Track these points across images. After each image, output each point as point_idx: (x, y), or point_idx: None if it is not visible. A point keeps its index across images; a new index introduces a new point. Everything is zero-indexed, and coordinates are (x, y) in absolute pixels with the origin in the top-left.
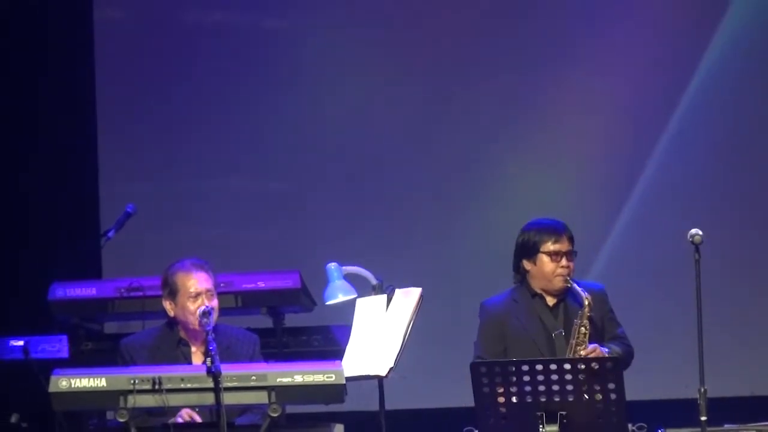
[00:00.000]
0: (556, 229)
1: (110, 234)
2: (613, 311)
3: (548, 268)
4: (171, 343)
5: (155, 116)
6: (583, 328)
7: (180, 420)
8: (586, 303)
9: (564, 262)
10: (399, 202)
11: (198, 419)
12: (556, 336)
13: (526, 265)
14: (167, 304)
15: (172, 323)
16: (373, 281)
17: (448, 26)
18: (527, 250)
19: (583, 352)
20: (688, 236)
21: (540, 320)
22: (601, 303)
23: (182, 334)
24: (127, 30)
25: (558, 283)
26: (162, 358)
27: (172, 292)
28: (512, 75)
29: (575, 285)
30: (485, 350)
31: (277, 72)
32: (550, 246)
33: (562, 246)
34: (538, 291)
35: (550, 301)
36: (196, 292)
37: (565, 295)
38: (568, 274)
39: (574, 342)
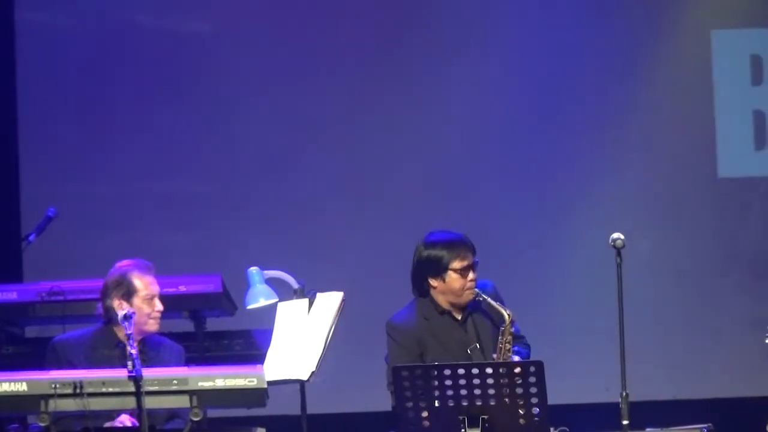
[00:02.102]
0: (462, 244)
1: (31, 238)
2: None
3: (458, 284)
4: (109, 345)
5: (76, 120)
6: (507, 344)
7: (119, 424)
8: (508, 320)
9: (471, 275)
10: (321, 207)
11: (129, 424)
12: (472, 351)
13: (432, 282)
14: (117, 304)
15: (110, 324)
16: (295, 285)
17: (368, 25)
18: (433, 267)
19: (495, 355)
20: (610, 240)
21: (454, 337)
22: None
23: (121, 335)
24: (48, 32)
25: (467, 297)
26: (99, 358)
27: (129, 293)
28: (433, 76)
29: (491, 302)
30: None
31: (200, 74)
32: (457, 263)
33: (469, 260)
34: (446, 307)
35: (458, 315)
36: (152, 295)
37: (470, 307)
38: (473, 287)
39: (501, 358)
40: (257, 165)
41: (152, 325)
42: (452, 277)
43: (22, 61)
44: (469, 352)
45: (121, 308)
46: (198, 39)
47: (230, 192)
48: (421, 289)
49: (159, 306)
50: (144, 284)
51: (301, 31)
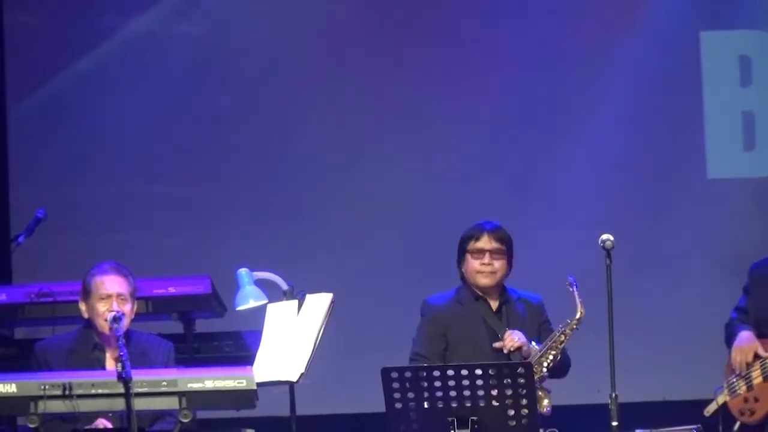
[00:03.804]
0: (480, 228)
1: (20, 239)
2: (549, 322)
3: (471, 266)
4: (87, 347)
5: (65, 122)
6: (563, 336)
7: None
8: (580, 316)
9: (486, 259)
10: (310, 207)
11: (110, 426)
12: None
13: (461, 265)
14: (82, 306)
15: (90, 326)
16: (284, 286)
17: (360, 27)
18: (460, 250)
19: (551, 357)
20: (600, 241)
21: (485, 322)
22: (538, 313)
23: (97, 338)
24: (37, 34)
25: (481, 280)
26: (78, 361)
27: (86, 294)
28: (424, 76)
29: (576, 294)
30: (425, 348)
31: (189, 77)
32: (472, 244)
33: (484, 244)
34: (479, 293)
35: (493, 304)
36: (107, 295)
37: (509, 298)
38: (492, 272)
39: (549, 344)
40: (246, 166)
41: (105, 327)
42: (468, 258)
43: (11, 63)
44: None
45: (85, 310)
46: (188, 42)
47: (219, 193)
48: (461, 275)
49: (118, 307)
50: (98, 284)
51: (291, 34)
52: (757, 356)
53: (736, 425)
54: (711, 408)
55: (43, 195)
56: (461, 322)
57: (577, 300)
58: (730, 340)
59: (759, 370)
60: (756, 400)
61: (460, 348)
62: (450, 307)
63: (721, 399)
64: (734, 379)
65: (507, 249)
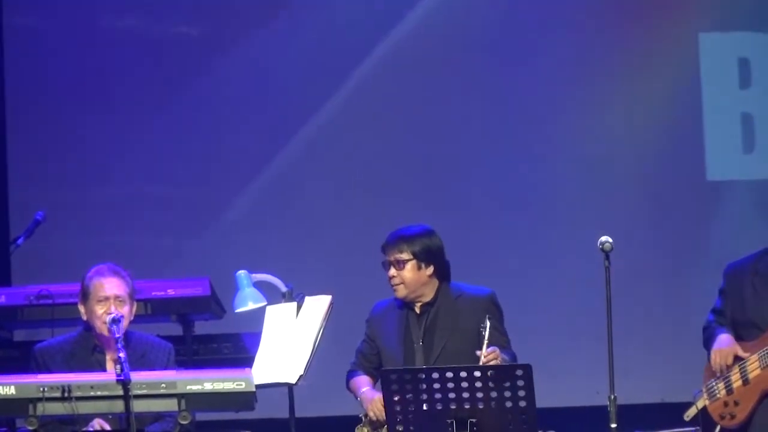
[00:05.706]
0: (385, 241)
1: (19, 241)
2: (500, 320)
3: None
4: (87, 350)
5: (65, 123)
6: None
7: (91, 429)
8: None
9: (391, 271)
10: (309, 210)
11: (107, 427)
12: (417, 347)
13: None
14: (81, 308)
15: (89, 329)
16: (283, 289)
17: (356, 25)
18: None
19: (478, 352)
20: (599, 243)
21: (407, 329)
22: (479, 311)
23: (96, 340)
24: (37, 35)
25: (396, 292)
26: (77, 364)
27: (85, 296)
28: (424, 79)
29: (485, 341)
30: (360, 348)
31: (187, 78)
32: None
33: (387, 256)
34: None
35: (417, 310)
36: (105, 297)
37: (436, 301)
38: (398, 284)
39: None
40: (246, 168)
41: (104, 329)
42: None
43: (10, 65)
44: (414, 346)
45: (84, 312)
46: (185, 43)
47: (219, 195)
48: None
49: (116, 310)
50: (96, 286)
51: (290, 34)
52: (736, 358)
53: (716, 430)
54: (691, 412)
55: (42, 196)
56: (389, 326)
57: (484, 345)
58: (708, 343)
59: (738, 373)
60: (736, 403)
61: (384, 352)
62: (384, 312)
63: (700, 403)
64: (713, 383)
65: (417, 255)
